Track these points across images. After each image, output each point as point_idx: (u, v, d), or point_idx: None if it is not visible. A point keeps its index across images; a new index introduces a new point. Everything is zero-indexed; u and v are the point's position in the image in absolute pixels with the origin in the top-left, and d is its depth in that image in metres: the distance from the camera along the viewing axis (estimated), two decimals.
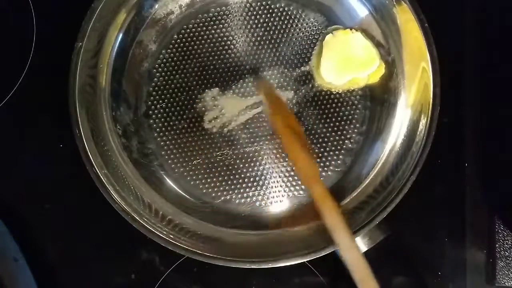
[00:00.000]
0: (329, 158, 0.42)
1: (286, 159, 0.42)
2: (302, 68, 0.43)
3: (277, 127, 0.40)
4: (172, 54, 0.43)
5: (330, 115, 0.42)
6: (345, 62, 0.42)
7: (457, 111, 0.44)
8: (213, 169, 0.42)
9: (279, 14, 0.43)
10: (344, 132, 0.42)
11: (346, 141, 0.42)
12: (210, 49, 0.43)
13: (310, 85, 0.43)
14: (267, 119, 0.42)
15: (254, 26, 0.43)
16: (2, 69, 0.44)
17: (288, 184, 0.42)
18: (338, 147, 0.42)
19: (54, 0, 0.45)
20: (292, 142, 0.38)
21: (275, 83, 0.43)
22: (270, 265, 0.36)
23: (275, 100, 0.41)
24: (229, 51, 0.43)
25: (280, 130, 0.39)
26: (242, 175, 0.42)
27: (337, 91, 0.43)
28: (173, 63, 0.43)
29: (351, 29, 0.42)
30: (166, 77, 0.42)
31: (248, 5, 0.43)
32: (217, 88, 0.43)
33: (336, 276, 0.42)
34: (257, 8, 0.43)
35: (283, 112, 0.41)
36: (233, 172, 0.42)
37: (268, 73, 0.43)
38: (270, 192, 0.42)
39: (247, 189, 0.42)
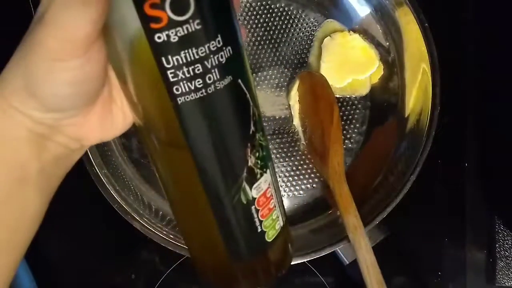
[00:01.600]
0: None
1: (286, 159, 0.42)
2: (302, 68, 0.43)
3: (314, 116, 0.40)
4: None
5: None
6: (345, 64, 0.42)
7: (457, 111, 0.44)
8: None
9: (279, 14, 0.43)
10: (344, 132, 0.42)
11: (346, 141, 0.42)
12: None
13: None
14: (267, 119, 0.42)
15: (254, 26, 0.43)
16: (2, 69, 0.44)
17: (288, 184, 0.42)
18: None
19: None
20: (334, 135, 0.38)
21: (275, 83, 0.43)
22: None
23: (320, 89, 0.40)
24: None
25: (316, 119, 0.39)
26: None
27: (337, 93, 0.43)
28: None
29: (349, 31, 0.42)
30: None
31: (248, 5, 0.43)
32: None
33: (336, 276, 0.42)
34: (257, 8, 0.43)
35: (327, 105, 0.39)
36: None
37: (268, 73, 0.43)
38: None
39: None
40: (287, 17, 0.43)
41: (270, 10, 0.43)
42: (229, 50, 0.19)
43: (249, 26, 0.43)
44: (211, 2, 0.18)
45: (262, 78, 0.43)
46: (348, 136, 0.42)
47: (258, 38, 0.43)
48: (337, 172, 0.37)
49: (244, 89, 0.20)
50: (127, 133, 0.41)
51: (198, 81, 0.18)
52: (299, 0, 0.43)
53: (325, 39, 0.42)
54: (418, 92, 0.40)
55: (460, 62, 0.45)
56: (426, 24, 0.39)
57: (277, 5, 0.43)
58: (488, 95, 0.45)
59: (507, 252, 0.42)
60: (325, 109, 0.39)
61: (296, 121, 0.42)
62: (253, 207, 0.22)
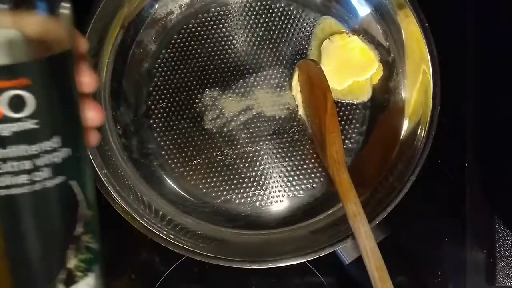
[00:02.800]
0: None
1: (286, 159, 0.42)
2: None
3: (313, 104, 0.40)
4: (172, 54, 0.43)
5: None
6: (345, 67, 0.42)
7: (457, 111, 0.44)
8: (213, 169, 0.42)
9: (279, 14, 0.43)
10: (344, 132, 0.42)
11: (346, 141, 0.42)
12: (210, 49, 0.43)
13: None
14: (267, 119, 0.42)
15: (254, 26, 0.43)
16: None
17: (288, 184, 0.42)
18: None
19: None
20: (329, 123, 0.37)
21: (275, 83, 0.43)
22: (270, 265, 0.36)
23: (316, 80, 0.39)
24: (229, 51, 0.43)
25: (315, 108, 0.39)
26: (242, 175, 0.42)
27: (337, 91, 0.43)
28: (173, 63, 0.43)
29: (347, 32, 0.42)
30: (166, 77, 0.42)
31: (248, 5, 0.43)
32: (217, 88, 0.43)
33: (336, 276, 0.42)
34: (257, 8, 0.43)
35: (322, 92, 0.38)
36: (233, 172, 0.42)
37: (268, 73, 0.43)
38: (270, 192, 0.42)
39: (247, 189, 0.42)
40: (287, 17, 0.43)
41: (270, 10, 0.43)
42: (63, 151, 0.19)
43: (249, 26, 0.43)
44: (48, 104, 0.18)
45: (262, 78, 0.43)
46: (348, 136, 0.42)
47: (258, 38, 0.43)
48: (336, 160, 0.37)
49: (76, 190, 0.20)
50: (127, 133, 0.42)
51: (22, 178, 0.19)
52: (299, 0, 0.43)
53: (324, 41, 0.42)
54: (418, 92, 0.40)
55: (460, 62, 0.45)
56: (426, 24, 0.39)
57: (277, 5, 0.43)
58: (488, 95, 0.45)
59: (507, 252, 0.42)
60: (319, 98, 0.38)
61: (301, 111, 0.42)
62: None
